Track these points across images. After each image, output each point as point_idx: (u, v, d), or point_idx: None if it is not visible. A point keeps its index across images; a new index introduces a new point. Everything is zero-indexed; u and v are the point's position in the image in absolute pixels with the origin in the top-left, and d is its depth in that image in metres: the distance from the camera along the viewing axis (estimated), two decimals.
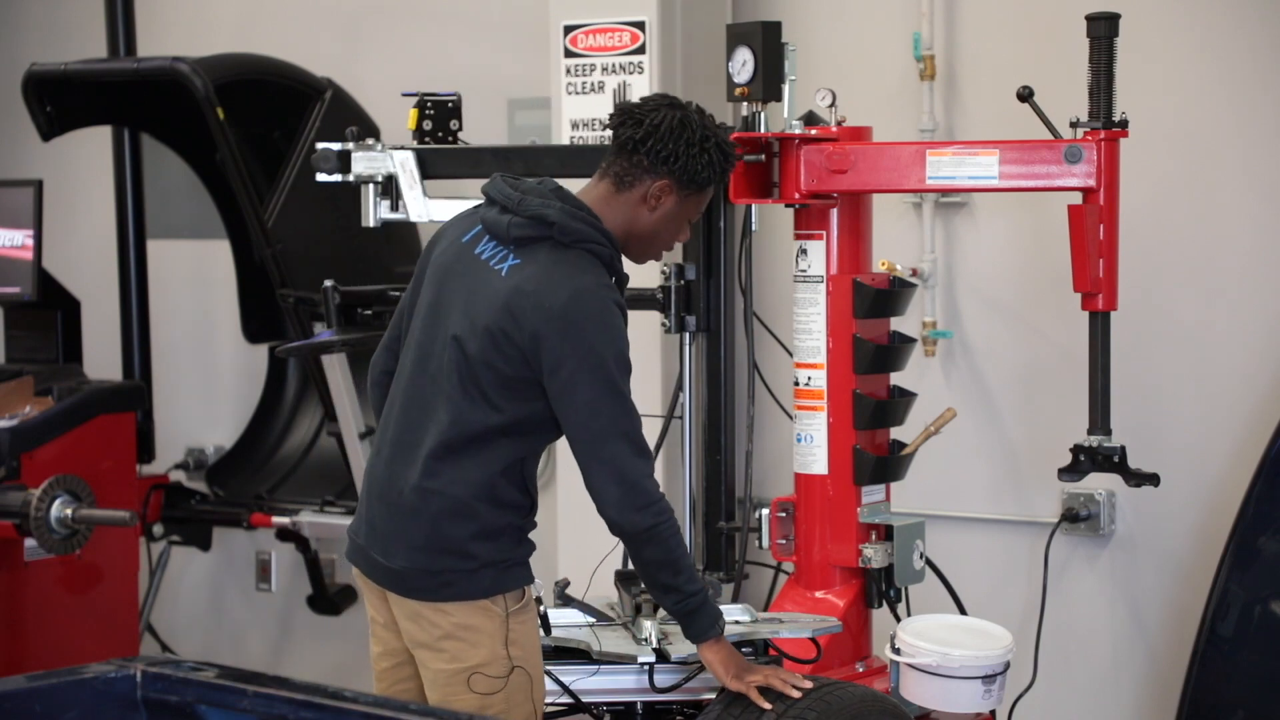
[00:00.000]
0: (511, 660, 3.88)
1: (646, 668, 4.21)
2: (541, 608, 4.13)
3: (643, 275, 5.42)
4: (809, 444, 4.87)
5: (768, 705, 3.92)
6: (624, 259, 3.96)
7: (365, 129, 5.48)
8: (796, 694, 3.93)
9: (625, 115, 3.91)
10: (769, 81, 4.85)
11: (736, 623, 4.46)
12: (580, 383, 3.76)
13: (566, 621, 4.40)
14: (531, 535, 3.99)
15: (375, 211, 5.10)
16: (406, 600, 3.91)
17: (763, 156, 4.84)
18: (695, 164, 3.87)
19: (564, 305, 3.76)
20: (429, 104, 5.11)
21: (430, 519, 3.85)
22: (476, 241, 3.91)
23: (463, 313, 3.85)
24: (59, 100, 6.50)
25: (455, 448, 3.85)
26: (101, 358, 6.93)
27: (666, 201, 3.90)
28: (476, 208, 3.98)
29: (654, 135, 3.86)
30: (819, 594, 4.87)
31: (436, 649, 3.89)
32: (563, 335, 3.75)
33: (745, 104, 4.90)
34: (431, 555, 3.86)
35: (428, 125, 5.11)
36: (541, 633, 4.11)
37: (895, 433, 4.95)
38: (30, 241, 6.48)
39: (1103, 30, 4.64)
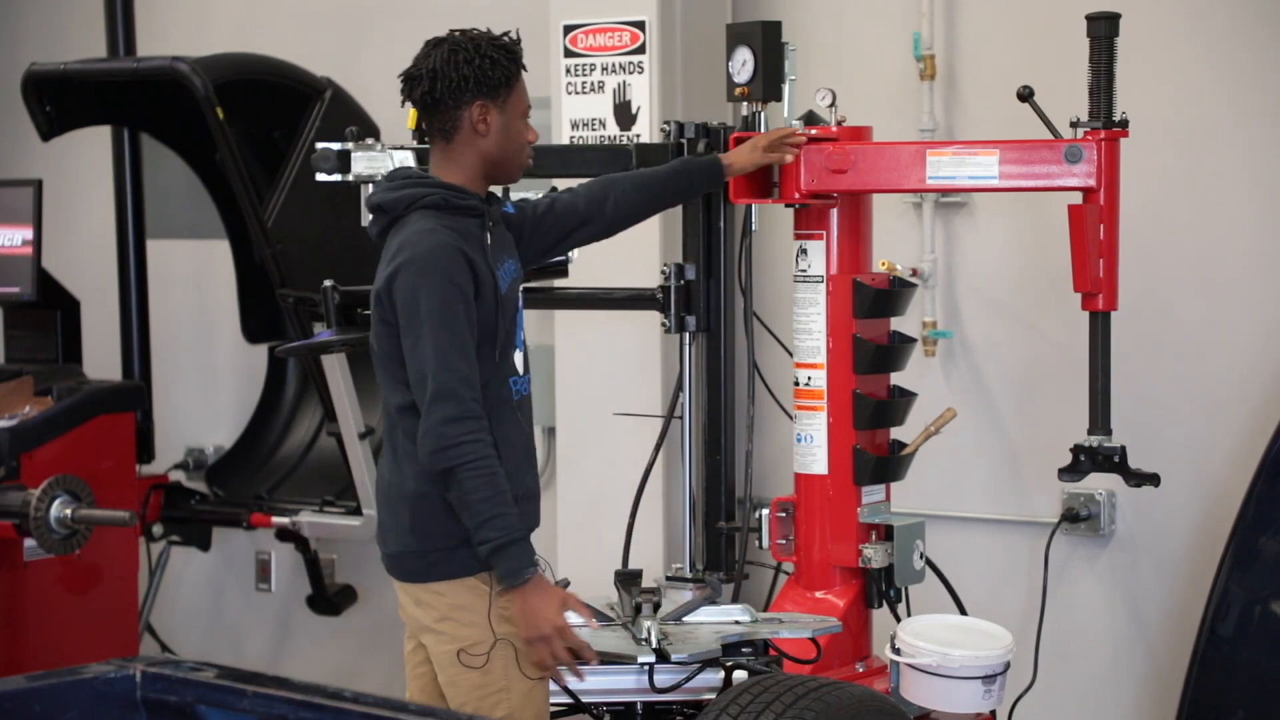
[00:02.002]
0: (496, 636, 3.97)
1: (646, 668, 4.20)
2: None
3: (643, 275, 5.43)
4: (809, 444, 4.87)
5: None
6: (500, 185, 4.23)
7: (365, 129, 5.48)
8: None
9: (408, 80, 4.12)
10: (769, 81, 4.85)
11: (736, 623, 4.46)
12: (409, 326, 3.96)
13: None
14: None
15: None
16: (408, 585, 4.06)
17: None
18: (484, 72, 4.06)
19: (392, 264, 3.99)
20: None
21: (410, 502, 4.01)
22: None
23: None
24: (59, 100, 6.50)
25: (409, 432, 4.01)
26: (101, 358, 6.92)
27: (491, 118, 4.08)
28: None
29: (438, 76, 4.06)
30: (819, 594, 4.87)
31: (436, 630, 4.02)
32: (390, 288, 3.98)
33: (745, 104, 4.90)
34: (417, 537, 4.02)
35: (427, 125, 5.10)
36: None
37: (895, 433, 4.94)
38: (30, 241, 6.48)
39: (1103, 30, 4.64)
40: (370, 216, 4.15)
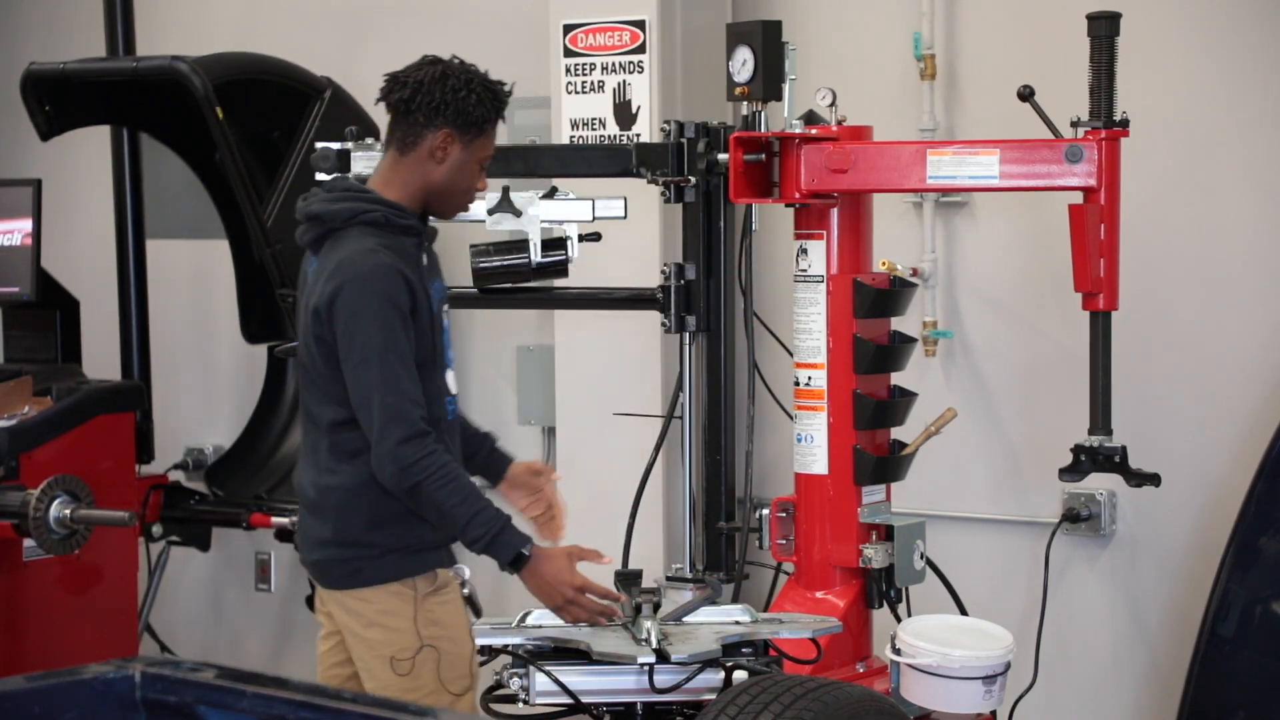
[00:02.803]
0: (423, 640, 4.05)
1: (646, 668, 4.20)
2: (466, 590, 4.19)
3: (643, 275, 5.43)
4: (809, 444, 4.86)
5: (581, 632, 4.18)
6: (433, 216, 4.21)
7: (365, 128, 5.47)
8: (605, 620, 4.16)
9: (392, 82, 4.11)
10: (769, 81, 4.84)
11: (736, 623, 4.45)
12: (351, 348, 3.97)
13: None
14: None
15: None
16: (333, 592, 4.14)
17: (763, 156, 4.84)
18: (465, 106, 4.06)
19: (332, 281, 3.99)
20: None
21: (331, 513, 4.08)
22: (307, 262, 4.18)
23: (300, 331, 4.13)
24: (58, 100, 6.48)
25: (338, 446, 4.06)
26: (101, 358, 6.91)
27: (453, 150, 4.09)
28: None
29: (420, 91, 4.05)
30: (819, 594, 4.87)
31: (364, 636, 4.09)
32: (331, 308, 3.98)
33: (745, 103, 4.89)
34: (339, 547, 4.09)
35: None
36: (472, 615, 4.23)
37: (895, 433, 4.94)
38: (29, 241, 6.47)
39: (1103, 29, 4.64)
40: (304, 225, 4.15)
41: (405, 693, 4.03)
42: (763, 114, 4.87)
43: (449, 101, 4.05)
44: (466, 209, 4.26)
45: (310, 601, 6.77)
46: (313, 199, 4.14)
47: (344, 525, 4.07)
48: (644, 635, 4.27)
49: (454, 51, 4.18)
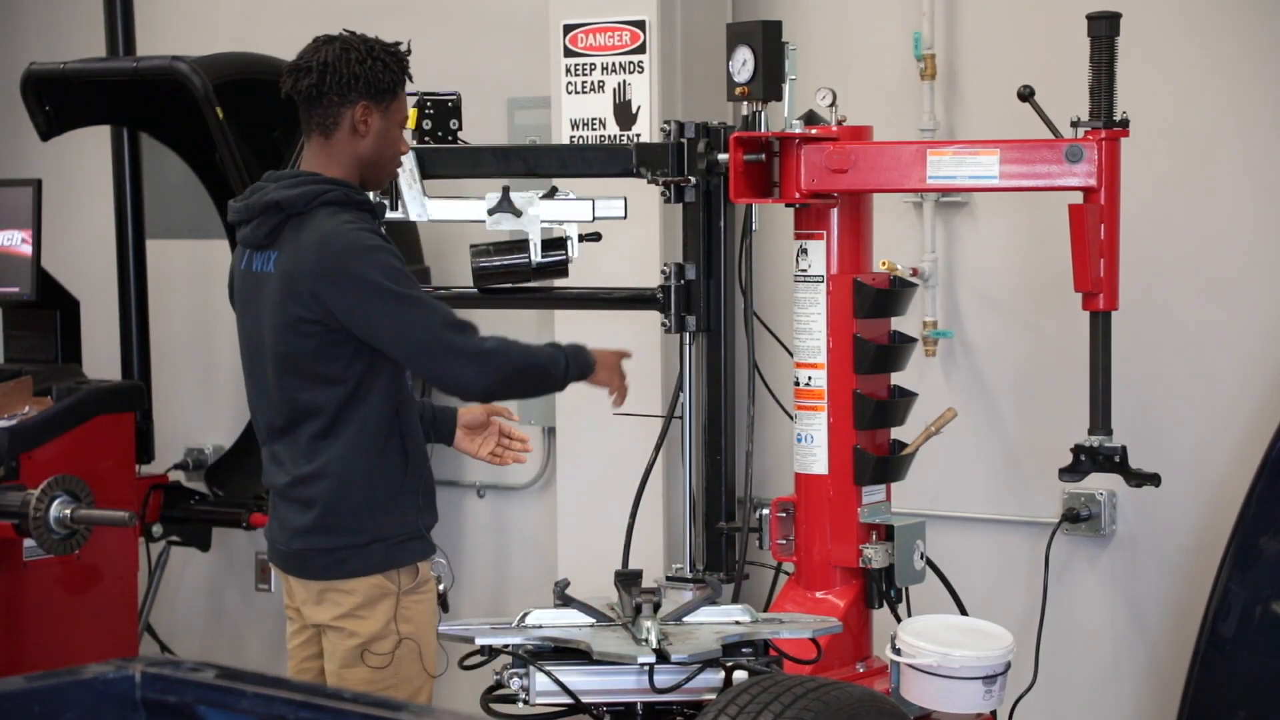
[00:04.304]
0: (400, 635, 4.11)
1: (646, 668, 4.20)
2: (441, 586, 4.28)
3: (643, 275, 5.43)
4: (809, 444, 4.86)
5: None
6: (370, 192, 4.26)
7: None
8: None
9: (294, 72, 4.16)
10: (769, 81, 4.84)
11: (737, 623, 4.45)
12: (374, 312, 3.98)
13: (566, 621, 4.40)
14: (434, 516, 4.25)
15: None
16: (310, 582, 4.15)
17: (763, 156, 4.84)
18: (374, 73, 4.12)
19: (320, 259, 4.00)
20: (429, 103, 5.11)
21: (320, 501, 4.09)
22: (250, 262, 4.21)
23: (267, 325, 4.13)
24: (58, 100, 6.48)
25: (323, 432, 4.08)
26: (101, 358, 6.92)
27: (373, 120, 4.14)
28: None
29: (328, 70, 4.10)
30: (819, 594, 4.87)
31: (337, 627, 4.13)
32: (335, 283, 3.98)
33: (745, 103, 4.89)
34: (325, 535, 4.11)
35: (427, 124, 5.10)
36: (441, 611, 4.28)
37: (896, 433, 4.94)
38: (30, 241, 6.47)
39: (1103, 29, 4.64)
40: (258, 219, 4.14)
41: (365, 682, 4.08)
42: (763, 114, 4.87)
43: (358, 74, 4.10)
44: (395, 175, 4.38)
45: None
46: (266, 190, 4.14)
47: (333, 512, 4.09)
48: (644, 635, 4.27)
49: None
